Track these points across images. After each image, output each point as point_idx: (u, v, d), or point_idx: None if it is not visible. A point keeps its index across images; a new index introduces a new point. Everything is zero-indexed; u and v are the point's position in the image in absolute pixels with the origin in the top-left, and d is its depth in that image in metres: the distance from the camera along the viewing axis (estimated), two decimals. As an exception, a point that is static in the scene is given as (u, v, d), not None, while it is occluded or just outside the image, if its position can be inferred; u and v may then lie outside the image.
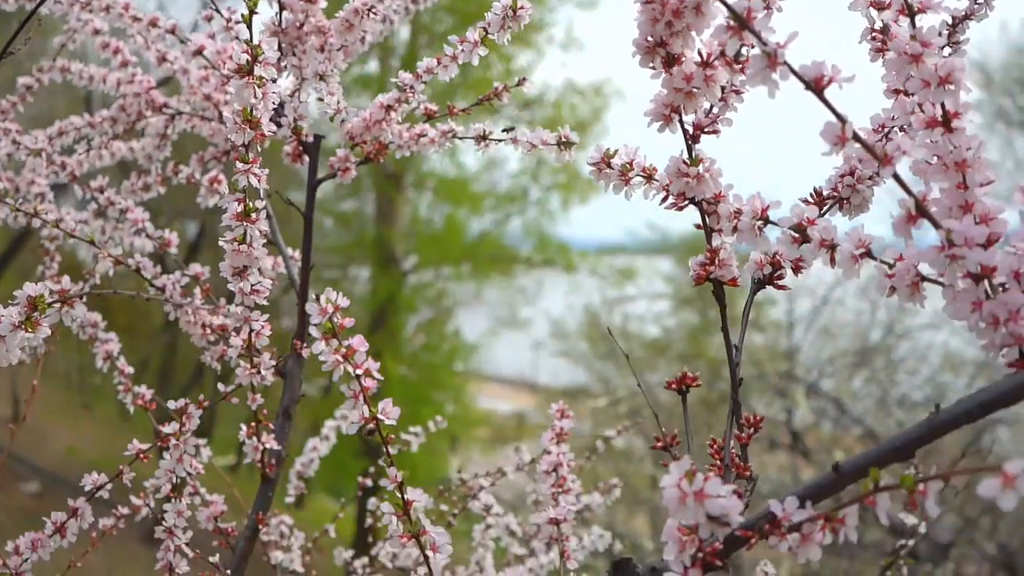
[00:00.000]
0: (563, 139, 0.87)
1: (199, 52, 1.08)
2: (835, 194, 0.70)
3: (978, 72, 9.19)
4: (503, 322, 12.35)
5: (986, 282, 0.54)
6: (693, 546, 0.55)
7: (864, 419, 6.59)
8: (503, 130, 0.96)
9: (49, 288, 0.66)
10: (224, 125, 1.14)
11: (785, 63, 0.52)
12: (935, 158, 0.56)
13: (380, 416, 0.66)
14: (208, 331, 1.04)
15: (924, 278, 0.56)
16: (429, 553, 0.67)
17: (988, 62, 9.26)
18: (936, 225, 0.53)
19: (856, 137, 0.52)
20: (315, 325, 0.64)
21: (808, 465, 6.67)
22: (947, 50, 0.74)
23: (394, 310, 11.43)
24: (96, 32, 1.22)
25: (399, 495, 0.67)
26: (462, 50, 0.92)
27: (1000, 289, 0.54)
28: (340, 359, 0.64)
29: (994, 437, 6.04)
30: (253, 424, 0.99)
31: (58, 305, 0.66)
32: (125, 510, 1.13)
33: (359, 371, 0.65)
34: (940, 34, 0.73)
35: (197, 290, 1.06)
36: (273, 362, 0.94)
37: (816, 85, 0.52)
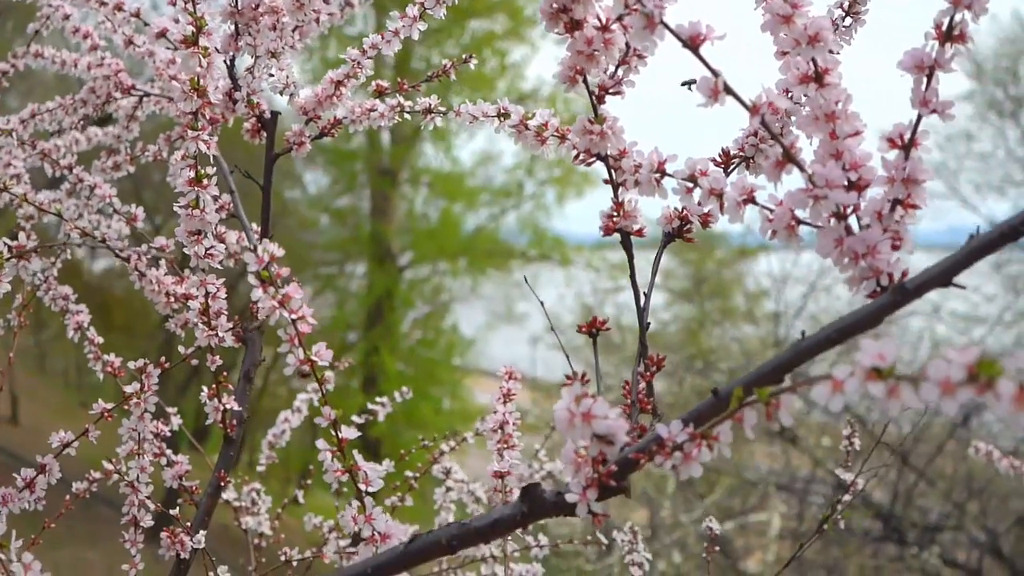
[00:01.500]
0: (501, 111, 0.92)
1: (162, 35, 1.13)
2: (741, 153, 0.75)
3: (968, 62, 9.23)
4: (500, 317, 12.41)
5: (853, 220, 0.59)
6: (587, 466, 0.60)
7: (854, 407, 6.65)
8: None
9: (6, 244, 0.71)
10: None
11: (662, 23, 0.57)
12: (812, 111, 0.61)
13: (314, 358, 0.71)
14: (172, 299, 1.09)
15: (800, 221, 0.61)
16: (362, 486, 0.72)
17: (978, 52, 9.31)
18: (802, 169, 0.58)
19: (727, 89, 0.57)
20: (252, 273, 0.69)
21: (799, 452, 6.74)
22: (848, 20, 0.79)
23: (391, 306, 11.50)
24: (66, 17, 1.27)
25: (334, 433, 0.72)
26: (403, 25, 0.97)
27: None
28: (276, 305, 0.69)
29: (981, 420, 6.11)
30: (214, 386, 1.04)
31: (15, 260, 0.72)
32: (97, 474, 1.19)
33: (295, 316, 0.70)
34: (840, 5, 0.78)
35: (162, 261, 1.11)
36: (230, 325, 0.99)
37: (692, 43, 0.57)
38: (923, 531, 5.96)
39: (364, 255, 12.02)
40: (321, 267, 11.96)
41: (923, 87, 0.59)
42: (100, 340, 1.19)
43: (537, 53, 11.82)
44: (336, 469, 0.72)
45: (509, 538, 1.29)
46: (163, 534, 1.04)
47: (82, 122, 1.28)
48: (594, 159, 0.70)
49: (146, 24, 1.17)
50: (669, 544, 5.22)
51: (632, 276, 0.72)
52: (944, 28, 0.59)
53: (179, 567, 1.04)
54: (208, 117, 0.82)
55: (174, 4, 1.15)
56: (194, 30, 0.81)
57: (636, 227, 0.71)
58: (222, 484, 1.07)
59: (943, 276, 0.54)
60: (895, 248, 0.58)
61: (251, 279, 0.70)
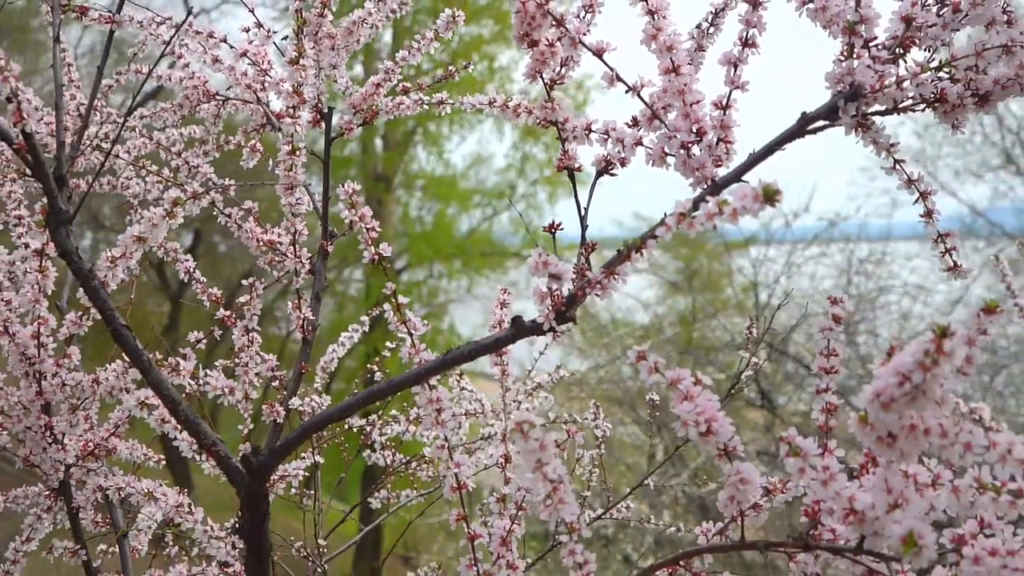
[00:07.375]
0: (491, 99, 1.36)
1: (244, 54, 1.57)
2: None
3: (947, 51, 9.65)
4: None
5: (695, 149, 1.03)
6: (548, 297, 1.04)
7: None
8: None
9: (183, 189, 1.14)
10: (261, 106, 1.63)
11: (581, 42, 1.01)
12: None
13: (381, 251, 1.15)
14: (260, 243, 1.53)
15: (666, 153, 1.05)
16: (412, 331, 1.16)
17: (956, 41, 9.71)
18: (662, 122, 1.02)
19: (618, 78, 1.01)
20: (341, 200, 1.13)
21: (780, 421, 7.20)
22: (711, 28, 1.23)
23: (389, 308, 11.88)
24: (165, 43, 1.70)
25: (394, 300, 1.16)
26: (424, 44, 1.42)
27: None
28: (357, 219, 1.13)
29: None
30: (296, 300, 1.48)
31: (191, 200, 1.15)
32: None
33: (368, 225, 1.14)
34: (707, 18, 1.22)
35: (251, 217, 1.55)
36: (310, 254, 1.43)
37: (598, 52, 1.01)
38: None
39: (361, 260, 12.37)
40: (320, 272, 12.30)
41: (731, 73, 1.03)
42: (204, 279, 1.62)
43: (524, 57, 12.22)
44: (395, 321, 1.16)
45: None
46: (264, 407, 1.48)
47: (181, 121, 1.71)
48: (549, 124, 1.13)
49: (231, 47, 1.60)
50: (658, 505, 5.67)
51: (576, 197, 1.16)
52: (743, 39, 1.03)
53: (275, 429, 1.48)
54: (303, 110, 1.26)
55: (247, 31, 1.60)
56: (297, 54, 1.24)
57: (576, 165, 1.15)
58: (303, 372, 1.51)
59: (740, 173, 0.98)
60: (718, 165, 1.02)
61: (341, 203, 1.14)
